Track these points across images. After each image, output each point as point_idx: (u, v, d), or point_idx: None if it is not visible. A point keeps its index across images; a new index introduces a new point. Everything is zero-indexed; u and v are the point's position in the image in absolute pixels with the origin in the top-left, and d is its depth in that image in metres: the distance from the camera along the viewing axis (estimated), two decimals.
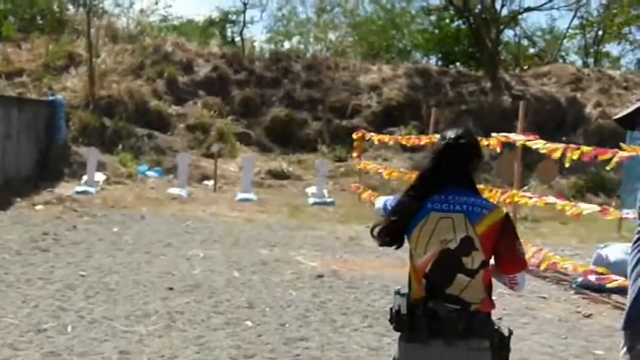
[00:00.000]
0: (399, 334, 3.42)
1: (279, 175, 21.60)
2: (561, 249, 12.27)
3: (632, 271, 3.39)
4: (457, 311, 3.24)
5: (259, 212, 15.52)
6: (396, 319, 3.37)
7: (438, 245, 3.28)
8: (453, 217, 3.29)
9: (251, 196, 17.53)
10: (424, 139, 14.81)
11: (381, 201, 3.64)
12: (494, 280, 3.44)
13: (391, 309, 3.41)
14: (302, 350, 6.31)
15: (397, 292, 3.39)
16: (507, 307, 8.26)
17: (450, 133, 3.44)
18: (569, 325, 7.68)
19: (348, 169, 21.92)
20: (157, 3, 33.43)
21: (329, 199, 17.45)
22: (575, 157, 9.55)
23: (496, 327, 3.36)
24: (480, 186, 13.14)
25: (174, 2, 55.58)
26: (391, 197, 3.60)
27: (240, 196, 17.44)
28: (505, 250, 3.33)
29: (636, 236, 3.39)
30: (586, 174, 21.46)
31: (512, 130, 12.68)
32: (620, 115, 3.71)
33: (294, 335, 6.70)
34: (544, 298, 8.99)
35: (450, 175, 3.38)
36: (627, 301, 3.41)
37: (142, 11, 32.40)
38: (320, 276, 9.20)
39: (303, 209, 16.36)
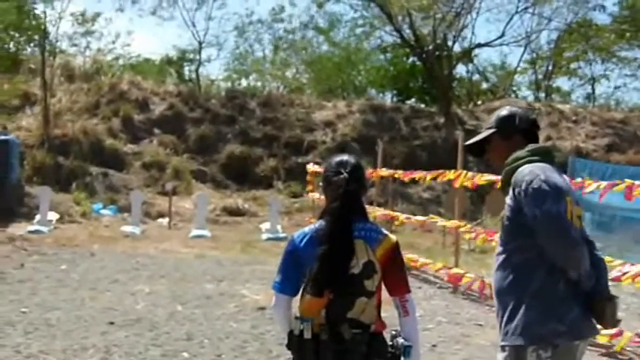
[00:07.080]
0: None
1: (234, 211, 21.69)
2: None
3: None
4: (361, 334, 3.35)
5: (212, 248, 15.59)
6: (298, 343, 3.39)
7: None
8: (355, 242, 3.38)
9: (205, 232, 17.62)
10: (374, 173, 15.00)
11: (291, 243, 3.52)
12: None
13: (291, 333, 3.45)
14: None
15: (299, 318, 3.42)
16: (443, 334, 8.47)
17: (345, 166, 3.49)
18: None
19: (304, 204, 22.11)
20: (114, 42, 33.58)
21: (282, 235, 17.52)
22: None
23: (390, 345, 3.45)
24: (437, 218, 13.40)
25: (133, 41, 55.95)
26: (299, 235, 3.53)
27: (194, 232, 17.52)
28: (394, 274, 3.47)
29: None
30: None
31: (465, 164, 12.87)
32: (471, 141, 3.87)
33: None
34: (480, 325, 9.19)
35: (354, 206, 3.46)
36: (502, 316, 3.54)
37: (99, 50, 32.53)
38: (262, 308, 9.30)
39: (256, 245, 16.46)
